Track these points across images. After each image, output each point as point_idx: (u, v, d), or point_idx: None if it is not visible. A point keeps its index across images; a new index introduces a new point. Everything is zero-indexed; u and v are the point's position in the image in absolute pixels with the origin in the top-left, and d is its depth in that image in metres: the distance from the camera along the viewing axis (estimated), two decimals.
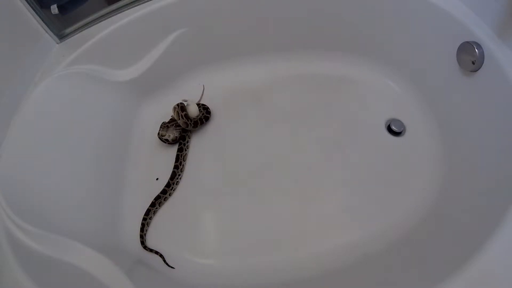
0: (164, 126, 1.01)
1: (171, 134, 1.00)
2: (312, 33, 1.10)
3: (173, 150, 1.01)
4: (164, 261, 0.82)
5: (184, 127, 1.01)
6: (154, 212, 0.91)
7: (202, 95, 1.15)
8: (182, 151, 1.00)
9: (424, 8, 0.88)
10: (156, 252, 0.83)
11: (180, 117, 1.00)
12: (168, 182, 0.94)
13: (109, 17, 0.99)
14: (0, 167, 0.72)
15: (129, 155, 1.04)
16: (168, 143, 1.02)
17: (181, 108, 1.01)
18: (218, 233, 0.88)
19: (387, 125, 0.99)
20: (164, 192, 0.92)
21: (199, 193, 0.95)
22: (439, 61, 0.88)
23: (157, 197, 0.91)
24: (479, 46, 0.74)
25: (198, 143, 1.05)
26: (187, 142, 1.03)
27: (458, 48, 0.79)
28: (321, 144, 0.98)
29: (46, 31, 0.98)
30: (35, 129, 0.82)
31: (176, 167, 0.96)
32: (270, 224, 0.86)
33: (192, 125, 1.02)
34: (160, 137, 1.01)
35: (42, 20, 0.96)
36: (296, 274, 0.78)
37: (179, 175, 0.97)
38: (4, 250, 0.64)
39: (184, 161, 1.00)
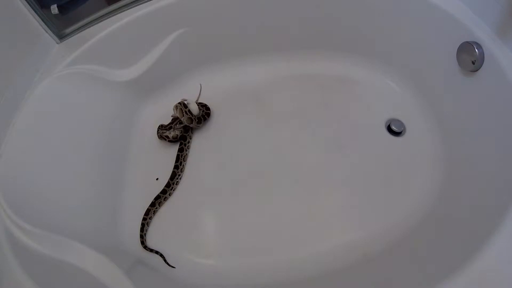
0: (164, 128, 1.02)
1: (172, 132, 1.01)
2: (312, 33, 1.10)
3: (173, 150, 1.01)
4: (165, 260, 0.82)
5: (188, 123, 1.01)
6: (154, 212, 0.91)
7: (199, 94, 1.15)
8: (183, 151, 1.00)
9: (424, 8, 0.88)
10: (156, 252, 0.83)
11: (184, 113, 1.00)
12: (168, 182, 0.94)
13: (109, 17, 0.99)
14: (0, 167, 0.72)
15: (129, 155, 1.04)
16: (168, 141, 1.02)
17: (183, 105, 1.01)
18: (218, 233, 0.88)
19: (387, 125, 0.99)
20: (164, 192, 0.92)
21: (199, 193, 0.95)
22: (439, 61, 0.88)
23: (157, 197, 0.91)
24: (479, 46, 0.74)
25: (198, 143, 1.05)
26: (188, 142, 1.03)
27: (458, 48, 0.79)
28: (321, 144, 0.98)
29: (46, 31, 0.98)
30: (35, 129, 0.82)
31: (176, 167, 0.96)
32: (270, 224, 0.86)
33: (197, 121, 1.02)
34: (161, 134, 1.02)
35: (42, 20, 0.96)
36: (296, 274, 0.78)
37: (179, 175, 0.97)
38: (4, 250, 0.64)
39: (184, 161, 1.00)
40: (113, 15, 0.99)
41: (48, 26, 0.97)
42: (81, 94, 0.96)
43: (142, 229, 0.87)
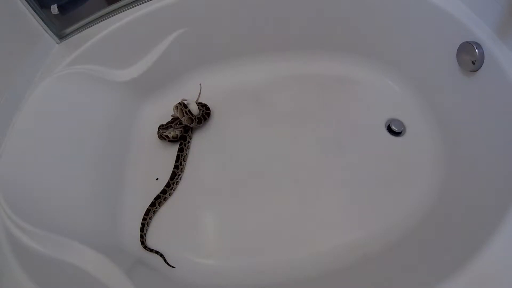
0: (164, 128, 1.02)
1: (172, 132, 1.01)
2: (312, 33, 1.10)
3: (173, 150, 1.01)
4: (165, 260, 0.82)
5: (189, 123, 1.01)
6: (154, 212, 0.91)
7: (199, 94, 1.15)
8: (183, 151, 1.00)
9: (424, 8, 0.88)
10: (157, 252, 0.83)
11: (185, 113, 1.00)
12: (168, 182, 0.94)
13: (109, 17, 0.99)
14: (0, 167, 0.72)
15: (129, 155, 1.04)
16: (168, 140, 1.02)
17: (184, 105, 1.02)
18: (218, 233, 0.88)
19: (387, 125, 0.99)
20: (164, 192, 0.92)
21: (199, 193, 0.95)
22: (439, 61, 0.88)
23: (157, 197, 0.91)
24: (479, 46, 0.74)
25: (198, 143, 1.05)
26: (188, 142, 1.03)
27: (458, 48, 0.79)
28: (321, 144, 0.98)
29: (46, 31, 0.98)
30: (35, 129, 0.82)
31: (176, 167, 0.96)
32: (270, 224, 0.86)
33: (197, 121, 1.02)
34: (161, 134, 1.02)
35: (42, 20, 0.96)
36: (296, 274, 0.78)
37: (179, 175, 0.97)
38: (4, 250, 0.64)
39: (184, 161, 1.00)
40: (113, 15, 0.99)
41: (48, 26, 0.97)
42: (81, 94, 0.96)
43: (142, 229, 0.87)
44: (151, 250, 0.84)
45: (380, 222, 0.83)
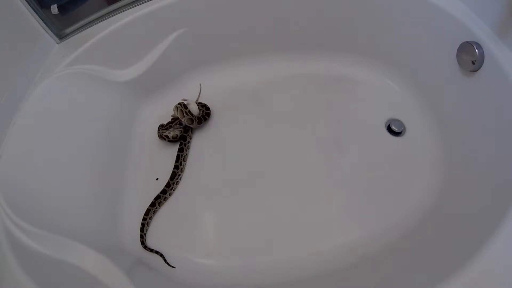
0: (164, 127, 1.02)
1: (172, 132, 1.01)
2: (312, 33, 1.10)
3: (173, 150, 1.01)
4: (165, 260, 0.82)
5: (189, 124, 1.01)
6: (154, 212, 0.91)
7: (199, 94, 1.15)
8: (183, 151, 1.00)
9: (424, 8, 0.88)
10: (157, 252, 0.83)
11: (185, 114, 1.00)
12: (168, 182, 0.94)
13: (109, 17, 0.99)
14: (0, 167, 0.72)
15: (129, 155, 1.04)
16: (168, 140, 1.02)
17: (184, 106, 1.02)
18: (218, 233, 0.88)
19: (387, 125, 0.99)
20: (164, 192, 0.92)
21: (199, 193, 0.95)
22: (439, 61, 0.88)
23: (157, 197, 0.91)
24: (479, 46, 0.74)
25: (198, 143, 1.05)
26: (188, 142, 1.03)
27: (458, 48, 0.79)
28: (321, 144, 0.98)
29: (46, 31, 0.98)
30: (35, 129, 0.82)
31: (176, 167, 0.97)
32: (270, 224, 0.86)
33: (197, 121, 1.02)
34: (161, 134, 1.02)
35: (42, 20, 0.96)
36: (296, 274, 0.78)
37: (179, 175, 0.97)
38: (4, 250, 0.64)
39: (184, 161, 1.00)
40: (113, 15, 0.99)
41: (48, 26, 0.98)
42: (81, 94, 0.96)
43: (142, 229, 0.87)
44: (151, 250, 0.84)
45: (380, 222, 0.83)
